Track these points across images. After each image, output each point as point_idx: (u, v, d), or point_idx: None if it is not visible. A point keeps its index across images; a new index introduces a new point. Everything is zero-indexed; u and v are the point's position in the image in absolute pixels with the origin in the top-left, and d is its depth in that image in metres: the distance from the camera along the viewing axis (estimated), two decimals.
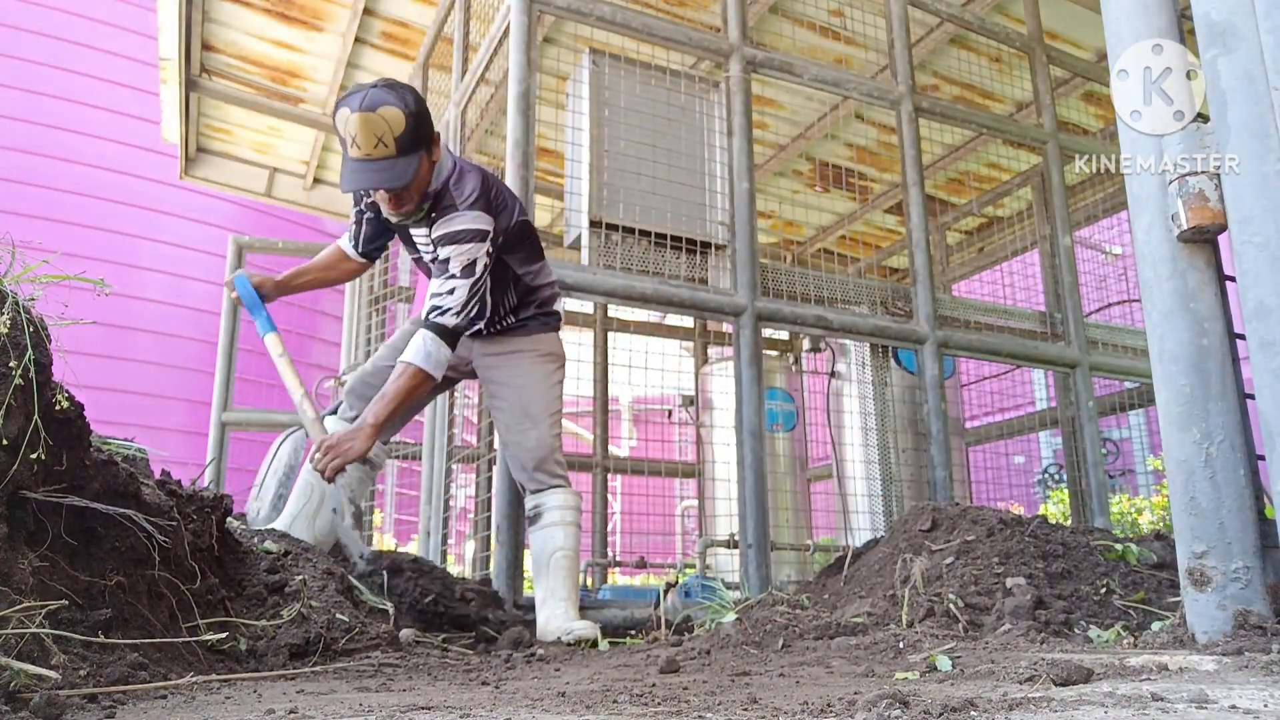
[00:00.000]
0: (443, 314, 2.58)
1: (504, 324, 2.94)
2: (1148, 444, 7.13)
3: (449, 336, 2.60)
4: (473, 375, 3.06)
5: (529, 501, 2.92)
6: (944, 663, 1.57)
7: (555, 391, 2.96)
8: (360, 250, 2.97)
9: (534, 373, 2.92)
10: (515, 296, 2.92)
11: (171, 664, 1.56)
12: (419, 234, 2.76)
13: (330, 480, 2.59)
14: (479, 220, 2.61)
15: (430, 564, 3.04)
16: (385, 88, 2.44)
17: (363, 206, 2.87)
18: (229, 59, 6.08)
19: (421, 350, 2.56)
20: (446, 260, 2.60)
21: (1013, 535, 2.35)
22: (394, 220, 2.69)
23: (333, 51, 5.91)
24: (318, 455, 2.55)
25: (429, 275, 2.82)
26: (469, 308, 2.63)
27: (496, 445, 3.43)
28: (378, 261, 5.70)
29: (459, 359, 2.93)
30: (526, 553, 3.60)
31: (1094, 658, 1.51)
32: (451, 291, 2.58)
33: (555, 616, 2.72)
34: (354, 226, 2.94)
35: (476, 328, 2.91)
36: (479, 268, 2.61)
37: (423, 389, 2.64)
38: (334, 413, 3.00)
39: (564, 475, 2.93)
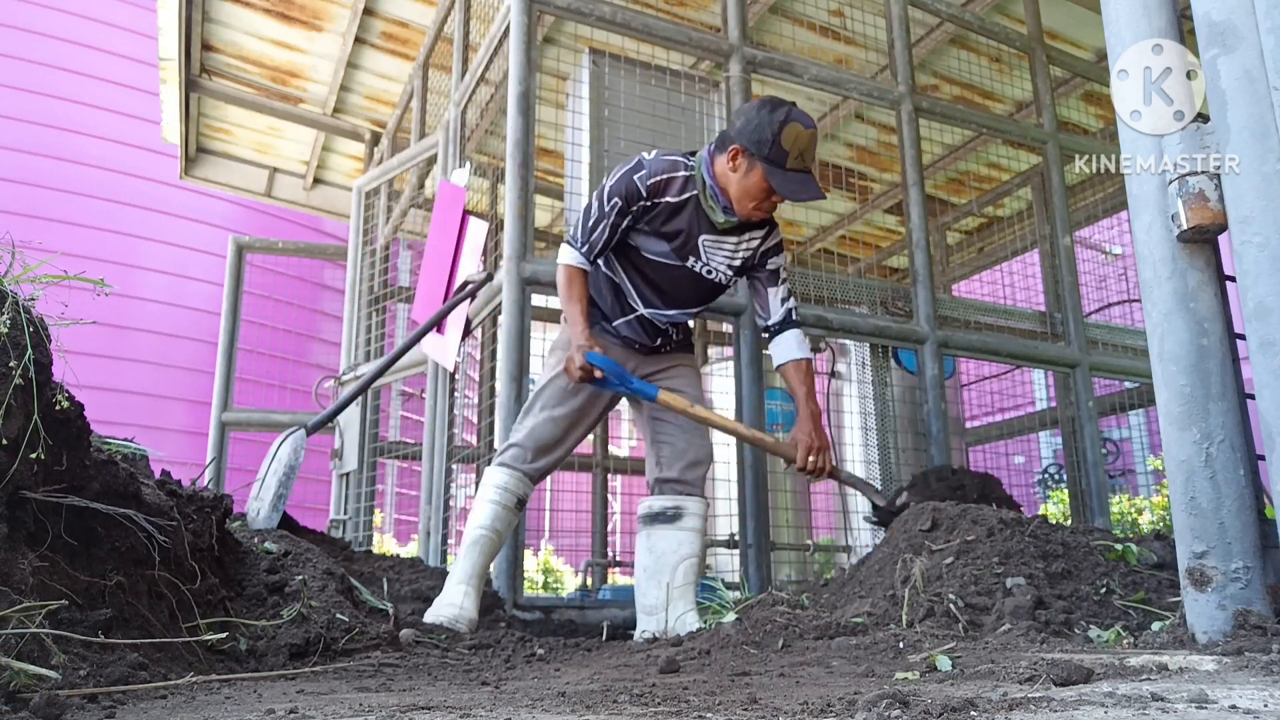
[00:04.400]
0: (798, 311, 2.97)
1: (676, 339, 3.07)
2: (1148, 444, 7.13)
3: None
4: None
5: (667, 500, 2.91)
6: (944, 663, 1.57)
7: None
8: (596, 260, 2.87)
9: (699, 382, 3.09)
10: None
11: (171, 664, 1.56)
12: (726, 241, 2.83)
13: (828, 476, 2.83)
14: None
15: None
16: (803, 111, 2.65)
17: (636, 210, 2.77)
18: (229, 59, 6.09)
19: (804, 345, 2.92)
20: (776, 270, 2.91)
21: (1013, 535, 2.35)
22: (723, 221, 2.77)
23: (333, 51, 5.91)
24: (813, 459, 2.78)
25: (662, 280, 2.87)
26: None
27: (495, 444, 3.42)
28: (377, 262, 5.74)
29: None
30: (527, 552, 3.60)
31: (1094, 658, 1.51)
32: (792, 294, 2.95)
33: (689, 621, 2.78)
34: (605, 237, 2.78)
35: (654, 344, 2.99)
36: None
37: None
38: (335, 414, 3.01)
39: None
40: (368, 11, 5.50)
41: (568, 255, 2.83)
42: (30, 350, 1.40)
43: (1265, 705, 1.02)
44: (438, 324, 3.98)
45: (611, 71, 4.05)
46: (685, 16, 5.20)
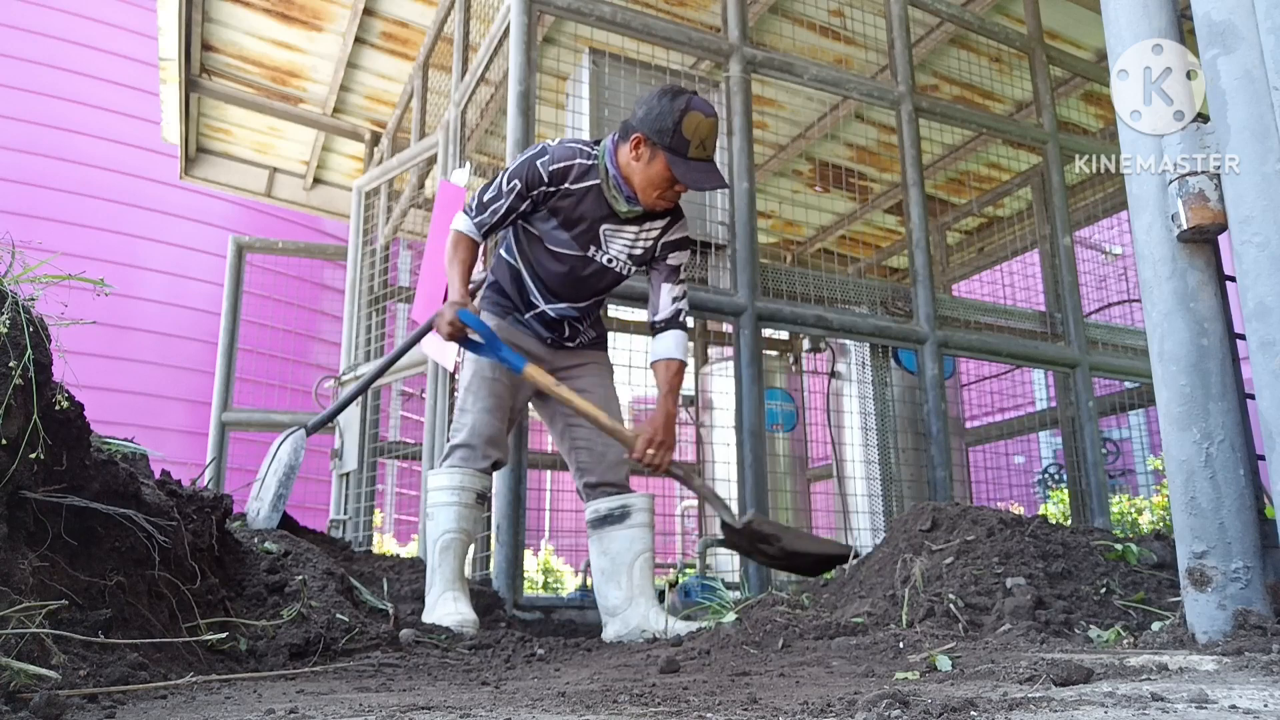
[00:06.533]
0: (687, 315, 2.92)
1: (588, 336, 3.08)
2: (1148, 444, 7.13)
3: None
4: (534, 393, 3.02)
5: (613, 501, 2.94)
6: (944, 663, 1.56)
7: None
8: (486, 235, 2.88)
9: (611, 383, 3.09)
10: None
11: (171, 664, 1.56)
12: (626, 230, 2.85)
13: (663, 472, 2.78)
14: None
15: None
16: (703, 99, 2.66)
17: (536, 195, 2.78)
18: (229, 59, 6.09)
19: (682, 347, 2.88)
20: (677, 267, 2.89)
21: (1013, 535, 2.35)
22: (626, 210, 2.78)
23: (333, 51, 5.91)
24: (651, 451, 2.72)
25: (561, 271, 2.87)
26: None
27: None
28: (377, 263, 5.74)
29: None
30: (527, 552, 3.60)
31: (1094, 658, 1.51)
32: (685, 295, 2.91)
33: (652, 617, 2.79)
34: (500, 215, 2.79)
35: (563, 337, 3.01)
36: None
37: None
38: (335, 414, 3.00)
39: None
40: (368, 11, 5.50)
41: (459, 222, 2.85)
42: (30, 350, 1.40)
43: (1265, 705, 1.02)
44: None
45: (611, 71, 4.05)
46: (685, 16, 5.20)
